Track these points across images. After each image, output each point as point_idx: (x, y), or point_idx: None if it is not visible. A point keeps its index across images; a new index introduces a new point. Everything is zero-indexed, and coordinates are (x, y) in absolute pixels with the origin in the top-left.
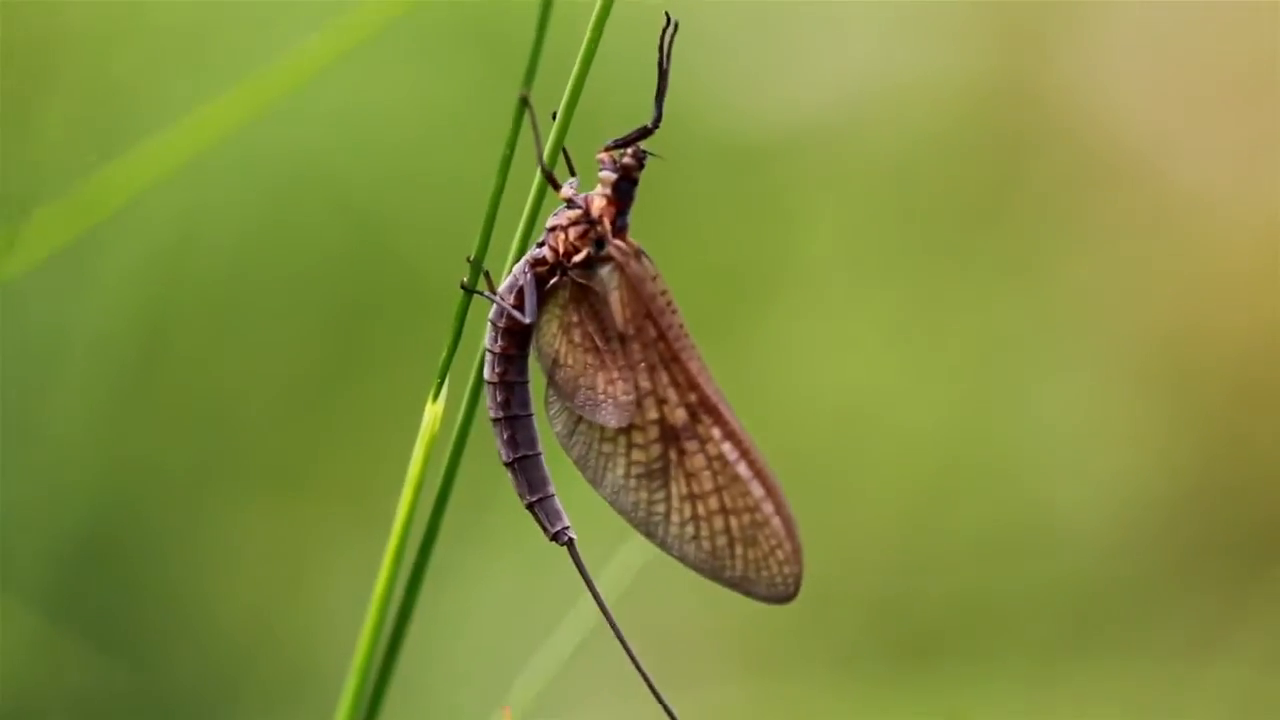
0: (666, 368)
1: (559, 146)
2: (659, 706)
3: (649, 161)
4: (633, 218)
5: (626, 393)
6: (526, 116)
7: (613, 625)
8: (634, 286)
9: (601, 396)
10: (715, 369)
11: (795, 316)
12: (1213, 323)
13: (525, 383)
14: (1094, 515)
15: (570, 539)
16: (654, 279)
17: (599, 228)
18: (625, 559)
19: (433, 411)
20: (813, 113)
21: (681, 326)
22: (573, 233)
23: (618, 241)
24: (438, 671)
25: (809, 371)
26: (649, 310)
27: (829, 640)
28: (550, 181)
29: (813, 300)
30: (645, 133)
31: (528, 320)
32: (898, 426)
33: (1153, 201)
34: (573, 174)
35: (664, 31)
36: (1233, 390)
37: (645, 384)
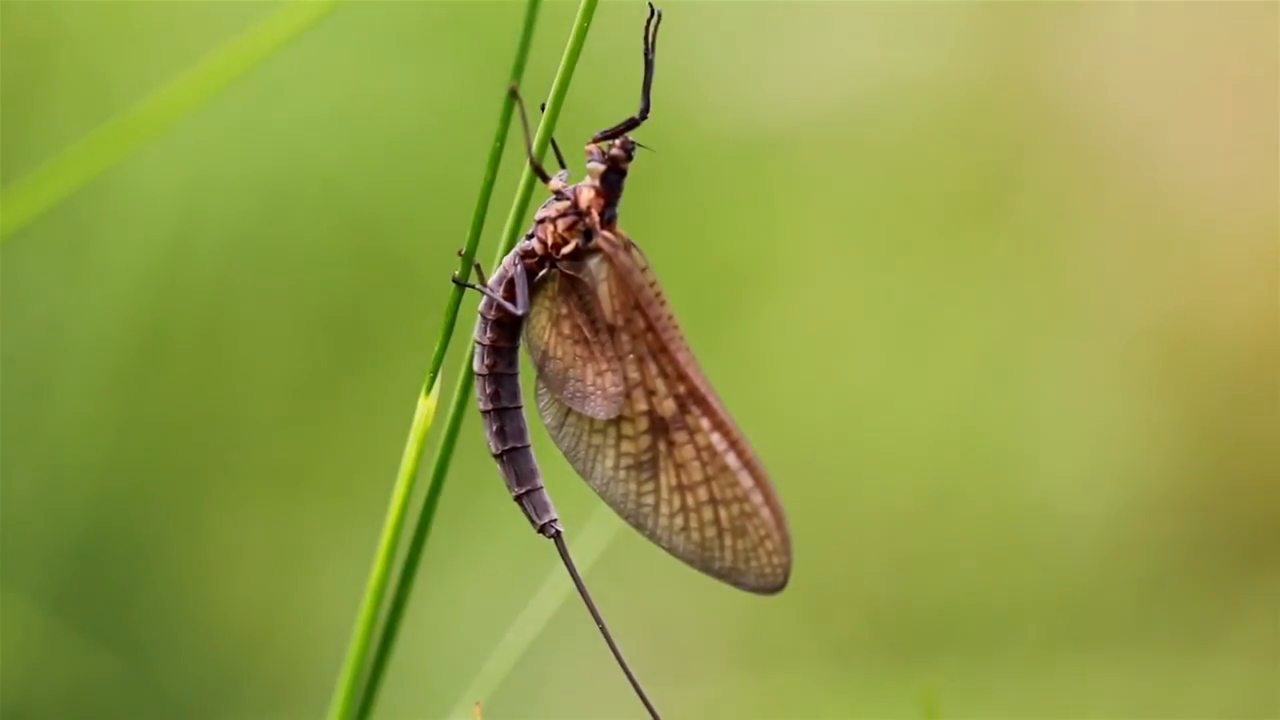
0: (655, 359)
1: (548, 138)
2: (645, 700)
3: (641, 154)
4: (628, 212)
5: (615, 384)
6: (516, 109)
7: (598, 620)
8: (622, 277)
9: (590, 388)
10: (712, 366)
11: (792, 314)
12: (1213, 321)
13: (515, 375)
14: (1093, 513)
15: (558, 531)
16: (643, 270)
17: (587, 219)
18: (606, 534)
19: (425, 405)
20: (810, 108)
21: (670, 318)
22: (561, 224)
23: (605, 233)
24: (430, 661)
25: (806, 369)
26: (637, 301)
27: (827, 636)
28: (539, 174)
29: (810, 297)
30: (633, 124)
31: (519, 311)
32: (896, 423)
33: (1152, 200)
34: (563, 166)
35: (648, 22)
36: (1233, 387)
37: (634, 375)
